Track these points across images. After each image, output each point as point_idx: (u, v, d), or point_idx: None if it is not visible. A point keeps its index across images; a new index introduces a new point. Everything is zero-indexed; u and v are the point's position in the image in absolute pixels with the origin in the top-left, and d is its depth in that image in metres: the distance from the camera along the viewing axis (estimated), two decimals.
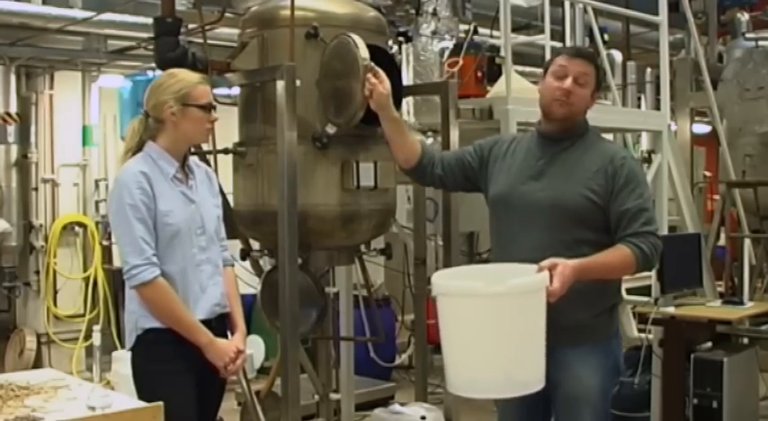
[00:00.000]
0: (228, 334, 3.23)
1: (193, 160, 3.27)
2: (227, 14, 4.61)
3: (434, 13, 4.98)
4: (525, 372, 2.66)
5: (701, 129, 9.91)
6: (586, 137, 3.12)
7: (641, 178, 3.07)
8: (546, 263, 2.73)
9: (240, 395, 5.41)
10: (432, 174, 3.35)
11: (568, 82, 3.00)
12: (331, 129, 3.84)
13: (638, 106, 9.71)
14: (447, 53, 5.09)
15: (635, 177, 3.01)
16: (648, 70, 9.83)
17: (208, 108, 3.13)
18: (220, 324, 3.17)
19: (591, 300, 3.00)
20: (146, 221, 2.95)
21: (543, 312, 2.66)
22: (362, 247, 4.28)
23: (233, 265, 3.35)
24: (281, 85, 3.67)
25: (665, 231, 5.55)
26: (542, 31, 6.70)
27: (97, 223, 8.12)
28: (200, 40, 4.25)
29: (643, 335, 5.11)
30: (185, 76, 3.14)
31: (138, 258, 2.92)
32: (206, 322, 3.06)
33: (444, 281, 2.77)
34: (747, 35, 8.71)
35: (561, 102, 3.02)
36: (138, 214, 2.94)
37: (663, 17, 5.89)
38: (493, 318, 2.58)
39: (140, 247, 2.93)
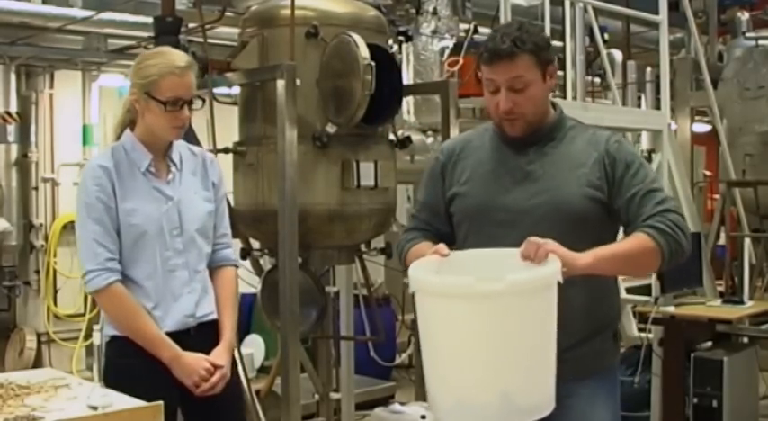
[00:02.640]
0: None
1: (190, 148, 2.91)
2: (227, 14, 4.62)
3: (435, 13, 4.99)
4: (530, 395, 2.10)
5: (702, 128, 9.90)
6: (565, 126, 2.55)
7: (641, 159, 2.52)
8: (531, 246, 2.18)
9: None
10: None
11: (503, 100, 2.42)
12: (331, 129, 3.85)
13: (639, 105, 9.70)
14: (447, 52, 5.10)
15: (634, 159, 2.48)
16: (648, 69, 9.82)
17: (174, 104, 2.67)
18: (204, 335, 2.78)
19: (599, 319, 2.54)
20: (102, 221, 2.63)
21: (554, 314, 2.12)
22: (363, 247, 4.28)
23: (236, 266, 2.97)
24: (281, 84, 3.67)
25: None
26: (542, 31, 6.68)
27: None
28: (201, 40, 4.25)
29: (643, 334, 5.11)
30: (164, 61, 2.70)
31: (92, 263, 2.63)
32: (181, 334, 2.72)
33: (424, 274, 2.16)
34: (747, 34, 8.70)
35: (510, 121, 2.45)
36: (93, 213, 2.64)
37: (663, 16, 5.88)
38: (488, 325, 2.03)
39: (93, 251, 2.63)
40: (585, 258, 2.25)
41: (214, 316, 2.82)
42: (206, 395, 2.71)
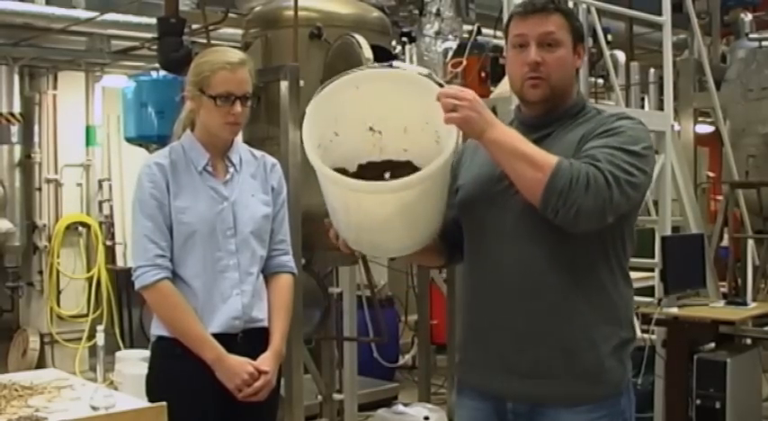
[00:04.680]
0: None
1: (252, 152, 2.87)
2: (230, 15, 4.62)
3: (438, 14, 4.98)
4: (394, 245, 2.33)
5: (705, 129, 9.89)
6: (580, 113, 2.30)
7: (631, 133, 2.16)
8: (446, 98, 2.06)
9: None
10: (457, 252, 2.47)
11: (533, 52, 2.21)
12: None
13: (642, 107, 9.69)
14: (450, 53, 5.09)
15: (618, 128, 2.16)
16: (652, 71, 9.81)
17: (225, 99, 2.64)
18: (252, 342, 2.71)
19: (595, 333, 2.20)
20: (155, 218, 2.62)
21: (438, 190, 2.20)
22: None
23: (292, 273, 2.90)
24: (284, 85, 3.67)
25: (668, 231, 5.54)
26: None
27: (100, 223, 8.15)
28: (204, 41, 4.25)
29: (646, 335, 5.11)
30: (216, 57, 2.69)
31: (141, 258, 2.62)
32: (227, 337, 2.65)
33: (310, 143, 2.14)
34: (751, 35, 8.69)
35: (533, 81, 2.23)
36: (145, 209, 2.63)
37: (666, 17, 5.88)
38: (369, 209, 2.16)
39: (144, 247, 2.62)
40: (491, 134, 2.08)
41: (264, 323, 2.76)
42: (248, 401, 2.65)
